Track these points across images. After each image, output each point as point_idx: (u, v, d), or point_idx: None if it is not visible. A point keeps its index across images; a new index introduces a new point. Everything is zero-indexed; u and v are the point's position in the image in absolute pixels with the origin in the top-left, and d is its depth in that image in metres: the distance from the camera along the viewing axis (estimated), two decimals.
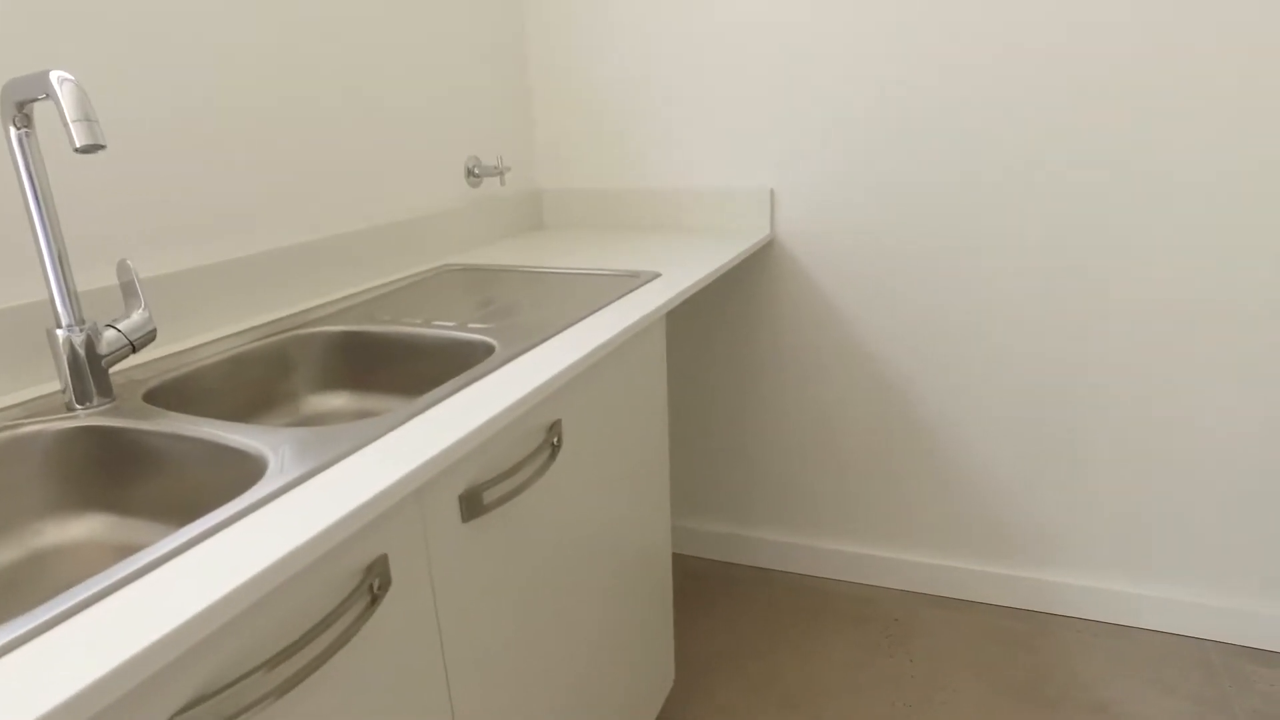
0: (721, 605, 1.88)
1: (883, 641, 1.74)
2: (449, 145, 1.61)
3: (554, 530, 0.96)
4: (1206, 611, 1.70)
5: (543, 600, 0.96)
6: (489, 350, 1.00)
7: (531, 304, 1.18)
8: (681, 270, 1.34)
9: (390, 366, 1.12)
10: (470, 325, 1.08)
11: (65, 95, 0.69)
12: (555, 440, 0.92)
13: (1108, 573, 1.76)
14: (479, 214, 1.71)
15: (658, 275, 1.31)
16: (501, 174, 1.70)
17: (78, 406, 0.81)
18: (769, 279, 1.79)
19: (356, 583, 0.62)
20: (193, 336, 1.07)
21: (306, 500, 0.59)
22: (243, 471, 0.71)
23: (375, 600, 0.64)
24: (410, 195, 1.51)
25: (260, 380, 1.06)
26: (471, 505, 0.77)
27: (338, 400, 1.14)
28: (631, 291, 1.22)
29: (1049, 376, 1.67)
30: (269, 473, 0.66)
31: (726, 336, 1.87)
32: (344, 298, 1.28)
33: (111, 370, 0.84)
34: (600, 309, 1.13)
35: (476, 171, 1.70)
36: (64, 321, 0.80)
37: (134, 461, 0.78)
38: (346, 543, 0.61)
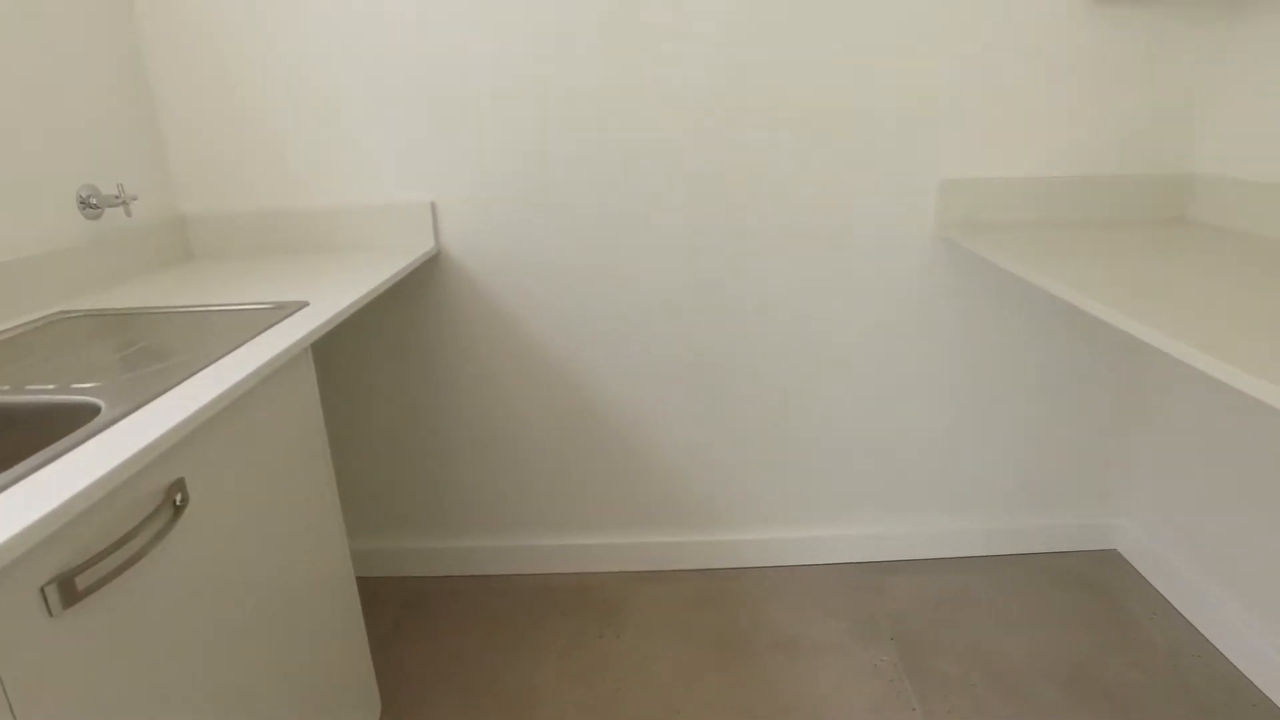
0: (442, 621, 1.87)
1: (595, 626, 1.84)
2: (50, 174, 1.41)
3: (190, 595, 0.90)
4: (852, 540, 2.01)
5: (190, 672, 0.89)
6: (94, 412, 0.90)
7: (157, 351, 1.08)
8: (333, 296, 1.30)
9: None
10: (75, 385, 0.97)
11: None
12: (178, 500, 0.86)
13: (777, 524, 2.01)
14: (102, 250, 1.52)
15: (305, 304, 1.26)
16: (126, 203, 1.52)
17: None
18: (439, 291, 1.79)
19: None
20: None
21: None
22: None
23: None
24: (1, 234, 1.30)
25: None
26: (65, 594, 0.69)
27: None
28: (274, 325, 1.16)
29: (704, 361, 1.86)
30: None
31: (402, 352, 1.85)
32: None
33: None
34: (234, 350, 1.06)
35: (94, 202, 1.51)
36: None
37: None
38: None
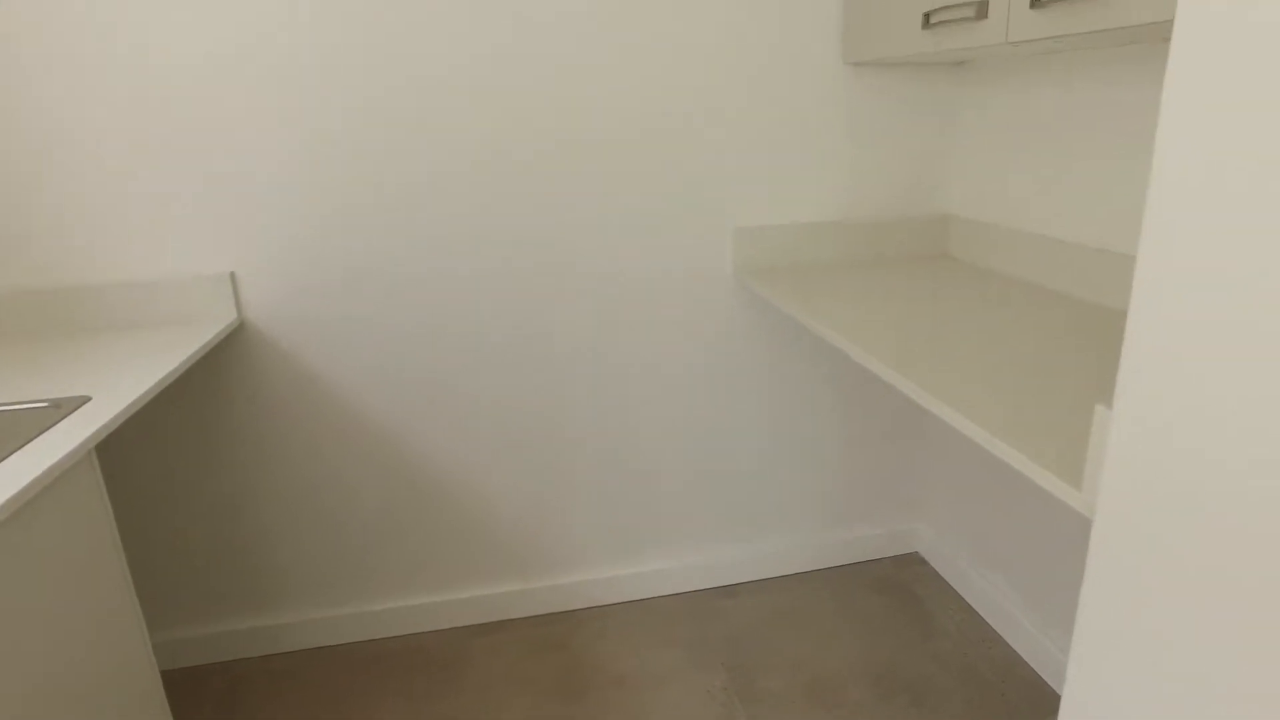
0: (272, 701, 1.79)
1: (435, 685, 1.82)
2: None
3: None
4: (684, 570, 2.11)
5: None
6: None
7: None
8: (120, 387, 1.23)
9: None
10: None
11: None
12: None
13: (610, 562, 2.08)
14: None
15: (87, 400, 1.19)
16: None
17: None
18: (246, 362, 1.73)
19: None
20: None
21: None
22: None
23: None
24: None
25: None
26: None
27: None
28: (51, 427, 1.09)
29: (525, 409, 1.90)
30: None
31: (209, 428, 1.76)
32: None
33: None
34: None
35: None
36: None
37: None
38: None
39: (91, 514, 1.14)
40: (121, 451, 1.75)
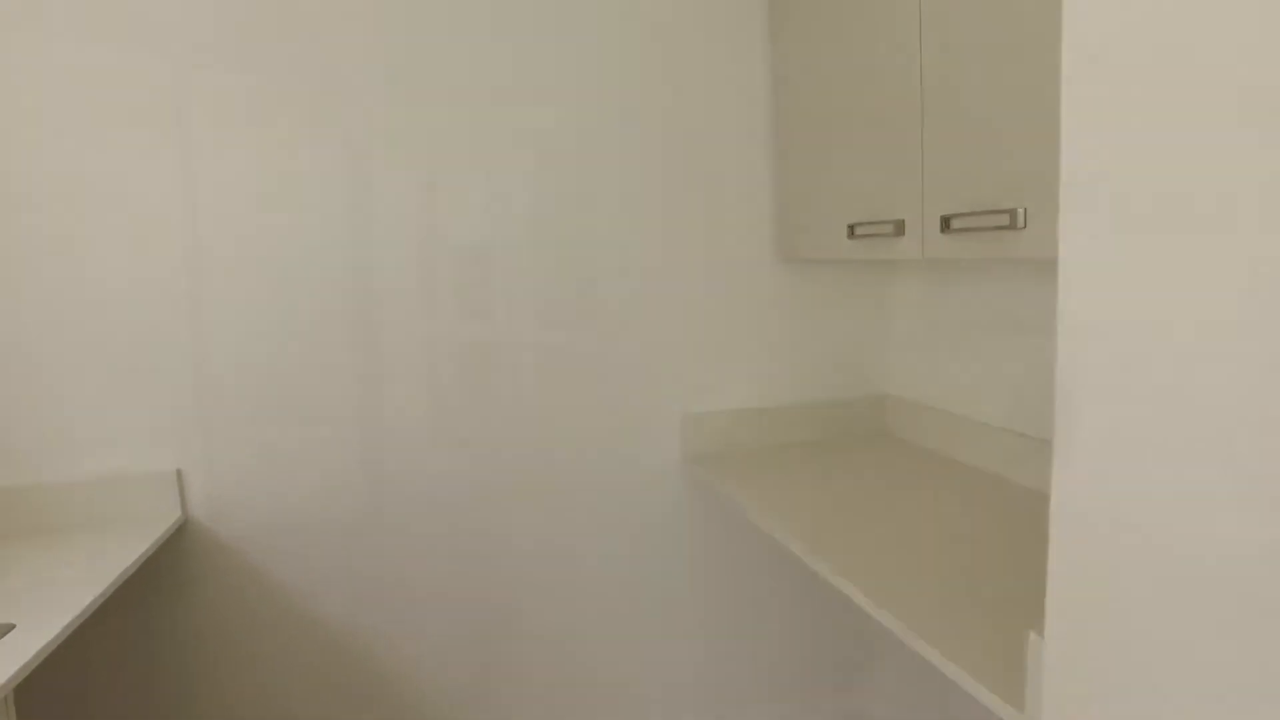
0: None
1: None
2: None
3: None
4: None
5: None
6: None
7: None
8: (49, 608, 1.18)
9: None
10: None
11: None
12: None
13: None
14: None
15: (11, 628, 1.13)
16: None
17: None
18: (193, 562, 1.67)
19: None
20: None
21: None
22: None
23: None
24: None
25: None
26: None
27: None
28: None
29: (479, 605, 1.86)
30: None
31: (153, 635, 1.68)
32: None
33: None
34: None
35: None
36: None
37: None
38: None
39: None
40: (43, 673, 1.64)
